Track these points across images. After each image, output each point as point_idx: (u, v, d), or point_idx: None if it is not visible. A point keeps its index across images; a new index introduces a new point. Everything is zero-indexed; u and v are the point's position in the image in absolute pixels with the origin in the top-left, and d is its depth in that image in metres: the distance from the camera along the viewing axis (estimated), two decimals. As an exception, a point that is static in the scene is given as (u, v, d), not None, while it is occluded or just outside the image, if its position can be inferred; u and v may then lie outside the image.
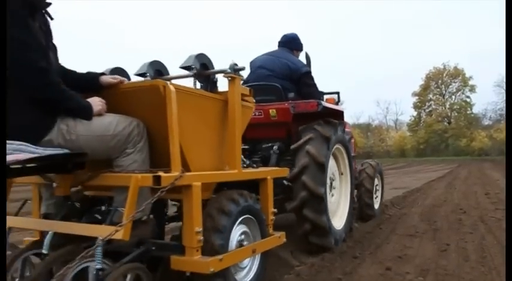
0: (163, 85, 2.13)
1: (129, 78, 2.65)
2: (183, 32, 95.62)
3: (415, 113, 56.46)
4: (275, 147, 3.76)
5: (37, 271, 1.96)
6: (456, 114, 54.01)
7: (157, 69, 2.80)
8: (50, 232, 2.10)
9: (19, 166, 1.85)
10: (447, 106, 54.93)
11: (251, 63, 4.11)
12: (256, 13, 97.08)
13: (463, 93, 53.80)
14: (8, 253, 2.20)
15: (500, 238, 4.02)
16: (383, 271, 3.04)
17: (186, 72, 2.61)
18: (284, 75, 3.86)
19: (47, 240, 2.08)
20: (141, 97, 2.24)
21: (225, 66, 2.56)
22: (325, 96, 4.43)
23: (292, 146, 3.53)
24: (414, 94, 55.79)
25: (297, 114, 3.60)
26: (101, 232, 1.90)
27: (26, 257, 2.23)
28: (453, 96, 54.82)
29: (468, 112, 53.31)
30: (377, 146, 52.85)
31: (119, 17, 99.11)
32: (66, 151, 1.98)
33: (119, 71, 2.64)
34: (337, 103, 4.49)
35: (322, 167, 3.41)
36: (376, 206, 5.38)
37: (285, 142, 3.84)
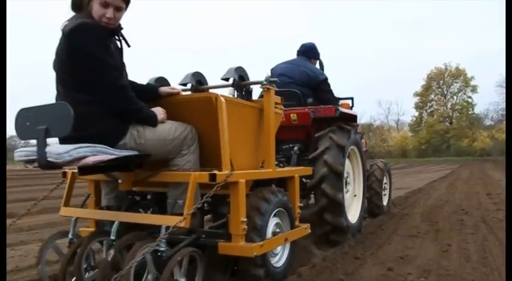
0: (216, 97, 2.48)
1: (169, 85, 2.93)
2: (185, 32, 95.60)
3: (416, 114, 56.46)
4: (295, 148, 4.09)
5: (111, 254, 2.22)
6: (458, 114, 53.94)
7: (198, 80, 3.13)
8: (116, 222, 2.40)
9: (95, 165, 2.15)
10: (449, 106, 54.87)
11: (272, 70, 4.41)
12: (255, 14, 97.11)
13: (464, 93, 53.75)
14: (75, 240, 2.59)
15: (502, 238, 4.02)
16: (385, 271, 3.04)
17: (223, 82, 2.95)
18: (303, 82, 4.19)
19: (114, 228, 2.38)
20: (195, 107, 2.60)
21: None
22: (340, 101, 4.72)
23: (311, 156, 3.85)
24: (416, 94, 55.75)
25: (316, 118, 3.94)
26: (165, 221, 2.25)
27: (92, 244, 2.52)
28: (455, 97, 54.77)
29: (470, 112, 53.23)
30: (378, 147, 52.77)
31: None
32: (135, 152, 2.32)
33: (161, 80, 2.96)
34: (351, 108, 4.79)
35: (340, 175, 3.73)
36: (385, 203, 5.74)
37: (304, 143, 4.17)
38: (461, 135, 50.49)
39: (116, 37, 2.40)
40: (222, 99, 2.46)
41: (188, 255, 2.25)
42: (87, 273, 2.49)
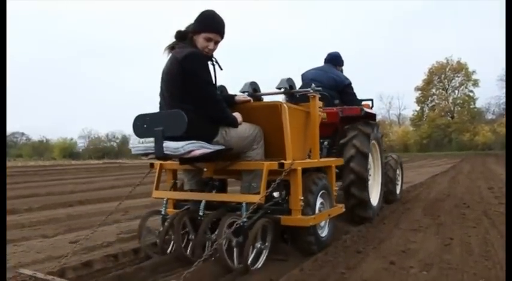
0: (280, 105, 3.19)
1: (227, 91, 3.64)
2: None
3: (418, 108, 56.45)
4: (325, 142, 4.76)
5: (204, 226, 2.96)
6: (459, 108, 53.90)
7: (254, 88, 3.87)
8: (203, 201, 3.14)
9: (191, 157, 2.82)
10: (450, 101, 54.81)
11: (303, 75, 5.16)
12: (254, 12, 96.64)
13: (466, 87, 53.69)
14: (166, 216, 3.28)
15: (504, 232, 4.01)
16: (387, 265, 3.03)
17: (270, 89, 3.84)
18: (331, 86, 4.86)
19: (202, 206, 3.12)
20: (263, 111, 3.31)
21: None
22: (362, 102, 5.36)
23: (342, 141, 4.52)
24: (417, 89, 55.74)
25: (344, 117, 4.62)
26: (246, 198, 2.95)
27: (185, 220, 3.18)
28: (456, 91, 54.70)
29: (471, 106, 53.18)
30: (380, 141, 52.65)
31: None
32: (223, 147, 2.97)
33: (222, 87, 3.61)
34: (371, 108, 5.53)
35: (366, 156, 4.39)
36: (398, 191, 6.41)
37: (332, 138, 4.85)
38: (462, 129, 50.46)
39: (211, 62, 3.08)
40: (285, 106, 3.17)
41: (264, 224, 2.94)
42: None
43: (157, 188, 3.49)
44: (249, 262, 2.78)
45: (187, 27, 3.05)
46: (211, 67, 3.05)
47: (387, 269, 2.95)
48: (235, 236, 2.85)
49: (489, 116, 52.86)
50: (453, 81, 54.50)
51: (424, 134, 51.52)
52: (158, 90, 3.08)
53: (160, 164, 3.49)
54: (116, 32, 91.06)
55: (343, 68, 5.39)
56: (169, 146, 2.73)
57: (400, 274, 2.85)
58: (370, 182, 4.72)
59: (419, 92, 55.57)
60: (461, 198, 6.76)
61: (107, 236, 3.98)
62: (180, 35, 3.05)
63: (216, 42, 3.03)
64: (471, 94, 53.18)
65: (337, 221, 4.11)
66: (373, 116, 4.99)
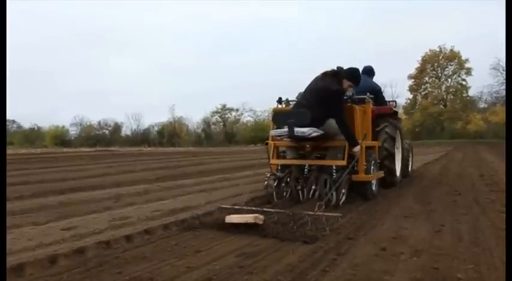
0: (354, 106, 5.21)
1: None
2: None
3: (411, 96, 56.49)
4: (365, 132, 6.10)
5: (312, 180, 4.97)
6: (452, 97, 54.11)
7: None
8: (307, 165, 5.16)
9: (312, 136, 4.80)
10: (443, 89, 54.97)
11: None
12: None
13: (459, 76, 53.82)
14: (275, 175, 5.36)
15: (494, 219, 4.05)
16: (378, 251, 3.04)
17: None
18: (367, 91, 6.12)
19: (306, 168, 5.14)
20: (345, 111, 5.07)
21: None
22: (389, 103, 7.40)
23: (377, 129, 6.26)
24: (410, 77, 55.74)
25: (378, 113, 6.32)
26: (337, 163, 4.96)
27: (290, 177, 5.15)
28: (449, 79, 54.82)
29: (464, 95, 53.38)
30: (373, 129, 52.70)
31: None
32: (322, 132, 4.83)
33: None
34: (395, 107, 7.33)
35: (394, 139, 6.34)
36: (409, 169, 8.28)
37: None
38: (455, 117, 50.71)
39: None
40: (357, 107, 5.21)
41: (346, 179, 4.86)
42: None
43: (272, 158, 5.48)
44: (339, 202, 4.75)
45: (338, 68, 5.05)
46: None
47: (378, 255, 2.96)
48: (328, 186, 4.79)
49: (481, 105, 53.17)
50: (446, 69, 54.62)
51: (417, 122, 51.69)
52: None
53: (274, 143, 5.47)
54: (106, 18, 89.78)
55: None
56: (299, 130, 4.69)
57: (390, 259, 2.86)
58: (395, 159, 6.53)
59: (412, 80, 55.65)
60: (452, 185, 6.82)
61: (98, 222, 3.97)
62: (333, 75, 5.00)
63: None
64: (464, 83, 53.38)
65: (329, 210, 4.13)
66: (397, 113, 7.07)
